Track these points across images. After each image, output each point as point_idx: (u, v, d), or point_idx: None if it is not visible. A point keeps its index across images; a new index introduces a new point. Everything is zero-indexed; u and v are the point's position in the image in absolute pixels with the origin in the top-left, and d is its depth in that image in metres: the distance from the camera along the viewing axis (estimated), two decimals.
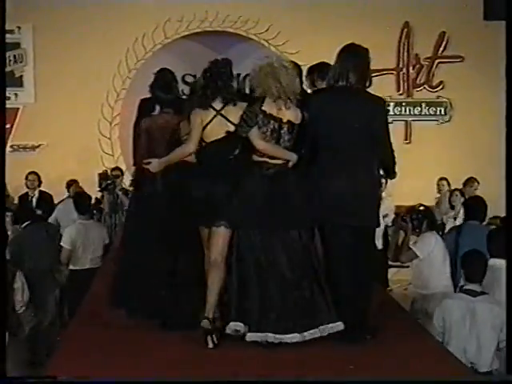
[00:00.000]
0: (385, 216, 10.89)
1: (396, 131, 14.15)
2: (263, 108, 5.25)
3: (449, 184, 12.30)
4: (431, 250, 7.05)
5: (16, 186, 11.95)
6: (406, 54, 14.49)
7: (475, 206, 7.96)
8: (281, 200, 5.20)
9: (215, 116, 5.29)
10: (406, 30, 14.40)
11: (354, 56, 5.30)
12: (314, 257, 5.29)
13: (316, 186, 5.24)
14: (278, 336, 5.09)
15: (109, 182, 11.29)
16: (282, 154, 5.27)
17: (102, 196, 11.17)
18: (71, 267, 8.74)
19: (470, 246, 6.52)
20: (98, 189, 11.22)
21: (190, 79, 13.44)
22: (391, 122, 13.84)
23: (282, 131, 5.26)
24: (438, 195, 12.15)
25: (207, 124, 5.29)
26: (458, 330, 5.75)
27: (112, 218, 11.11)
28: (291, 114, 5.27)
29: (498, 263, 6.18)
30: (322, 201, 5.21)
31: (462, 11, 14.12)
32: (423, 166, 13.68)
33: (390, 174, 5.55)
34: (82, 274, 8.48)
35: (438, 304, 6.10)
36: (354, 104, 5.26)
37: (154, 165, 5.48)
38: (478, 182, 12.06)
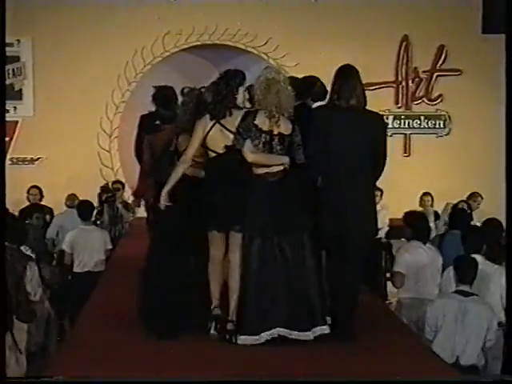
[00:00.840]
0: (379, 229, 10.92)
1: (395, 144, 14.25)
2: (255, 122, 5.61)
3: (432, 199, 12.17)
4: (407, 261, 7.37)
5: (15, 199, 11.90)
6: (404, 67, 14.51)
7: (458, 216, 8.65)
8: (283, 206, 5.61)
9: (214, 124, 5.67)
10: (404, 43, 14.44)
11: (352, 76, 5.73)
12: (315, 259, 5.69)
13: (318, 195, 5.69)
14: (287, 331, 5.53)
15: (109, 194, 11.32)
16: (274, 160, 5.64)
17: (102, 209, 11.14)
18: (74, 270, 9.21)
19: (452, 254, 7.00)
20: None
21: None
22: (391, 135, 14.19)
23: (274, 142, 5.63)
24: (421, 209, 11.98)
25: (207, 133, 5.68)
26: (448, 327, 6.23)
27: (112, 230, 11.04)
28: (282, 127, 5.64)
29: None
30: (324, 209, 5.66)
31: (460, 25, 14.19)
32: (422, 178, 13.65)
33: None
34: (84, 277, 9.01)
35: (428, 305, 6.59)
36: (356, 121, 5.68)
37: (162, 203, 5.79)
38: (482, 197, 12.07)
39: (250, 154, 5.59)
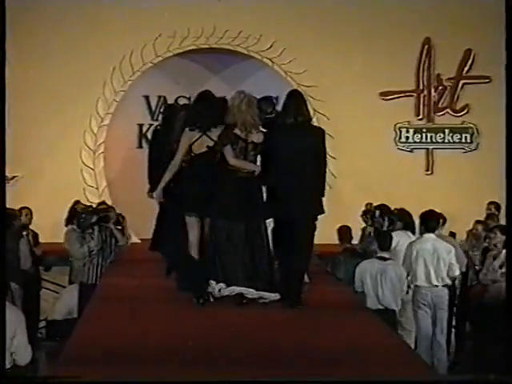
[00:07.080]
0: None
1: (416, 161, 14.49)
2: (235, 131, 7.33)
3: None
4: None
5: None
6: (426, 74, 14.23)
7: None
8: (247, 197, 7.33)
9: (201, 135, 7.35)
10: (426, 46, 14.12)
11: (300, 99, 7.57)
12: (267, 239, 7.48)
13: (274, 190, 7.44)
14: (243, 289, 7.24)
15: (100, 215, 10.64)
16: (248, 166, 7.37)
17: (93, 231, 10.41)
18: None
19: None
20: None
21: (184, 102, 13.55)
22: (411, 151, 14.66)
23: (248, 149, 7.36)
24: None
25: (195, 141, 7.35)
26: (372, 284, 8.89)
27: (99, 257, 10.36)
28: (255, 137, 7.37)
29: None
30: (279, 200, 7.37)
31: (489, 26, 13.59)
32: (447, 198, 13.15)
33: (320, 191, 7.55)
34: None
35: None
36: (302, 134, 7.48)
37: (156, 195, 7.72)
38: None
39: (231, 157, 7.30)
